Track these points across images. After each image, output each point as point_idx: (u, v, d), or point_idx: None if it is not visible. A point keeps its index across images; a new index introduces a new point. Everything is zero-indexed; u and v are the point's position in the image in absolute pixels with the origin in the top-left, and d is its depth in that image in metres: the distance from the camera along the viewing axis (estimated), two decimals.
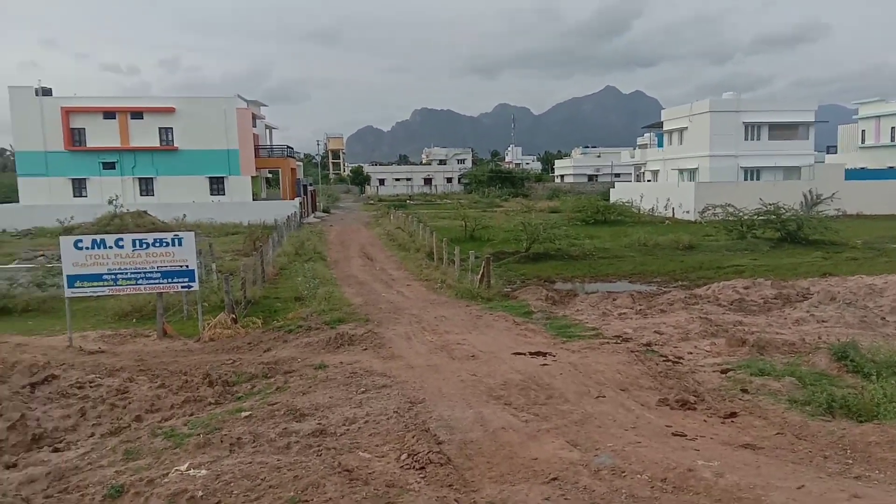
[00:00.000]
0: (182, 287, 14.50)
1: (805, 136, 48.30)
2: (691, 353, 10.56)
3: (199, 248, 20.75)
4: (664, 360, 10.07)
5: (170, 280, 14.24)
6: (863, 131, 59.89)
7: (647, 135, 73.08)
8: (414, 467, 6.39)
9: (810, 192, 38.35)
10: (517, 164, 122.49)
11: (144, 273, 14.03)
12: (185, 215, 40.65)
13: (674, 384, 8.78)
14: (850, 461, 6.10)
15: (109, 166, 45.90)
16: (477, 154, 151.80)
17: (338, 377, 9.69)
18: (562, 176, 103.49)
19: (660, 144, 58.37)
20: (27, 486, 6.28)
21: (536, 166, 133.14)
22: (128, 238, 14.20)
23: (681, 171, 51.37)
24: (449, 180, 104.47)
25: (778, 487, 5.10)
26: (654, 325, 12.79)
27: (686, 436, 6.94)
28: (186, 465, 6.77)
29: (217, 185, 46.65)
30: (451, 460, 6.61)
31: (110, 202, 37.60)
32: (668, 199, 45.95)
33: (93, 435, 8.69)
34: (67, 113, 44.95)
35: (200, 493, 5.89)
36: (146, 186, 46.34)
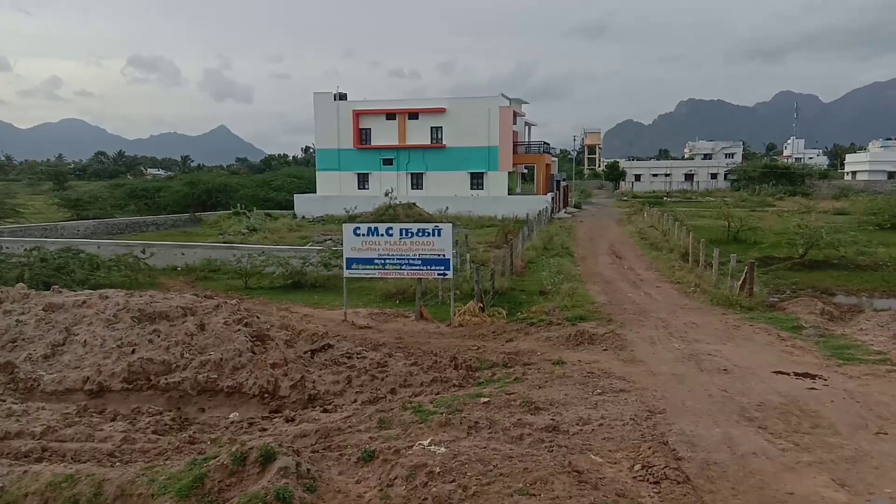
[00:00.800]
0: (438, 274, 15.63)
1: None
2: None
3: (455, 239, 22.22)
4: None
5: (429, 267, 15.45)
6: None
7: None
8: (648, 480, 6.11)
9: None
10: (797, 159, 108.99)
11: (408, 260, 15.42)
12: (447, 208, 43.69)
13: None
14: None
15: (388, 162, 51.21)
16: (749, 147, 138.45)
17: (575, 375, 9.64)
18: (853, 173, 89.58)
19: None
20: (300, 439, 7.33)
21: (822, 161, 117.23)
22: (396, 227, 15.72)
23: None
24: (714, 176, 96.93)
25: None
26: None
27: None
28: (428, 441, 7.32)
29: (477, 180, 49.31)
30: (690, 479, 6.19)
31: (386, 194, 41.90)
32: None
33: (355, 401, 9.83)
34: (357, 115, 51.13)
35: (438, 470, 6.32)
36: (417, 181, 50.78)
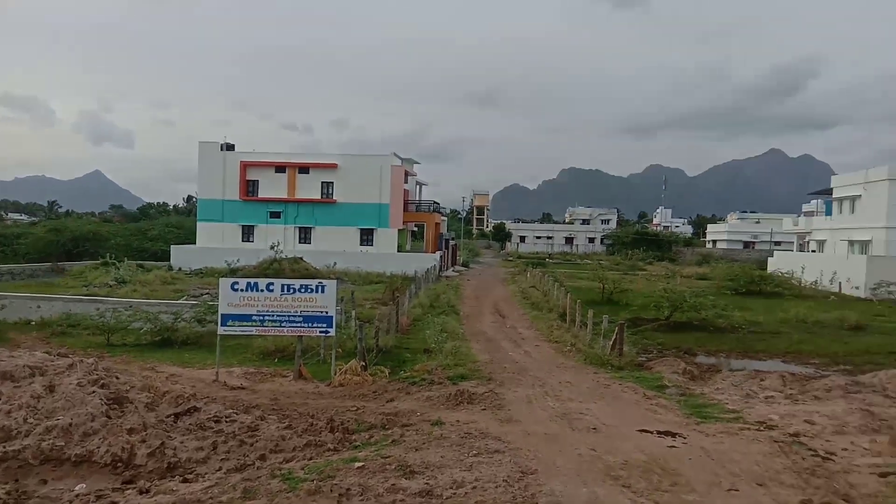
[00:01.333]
0: (320, 332, 15.28)
1: None
2: (846, 450, 9.31)
3: (341, 296, 21.89)
4: (813, 455, 8.95)
5: (310, 325, 15.08)
6: None
7: (813, 202, 67.51)
8: None
9: None
10: (665, 227, 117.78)
11: (288, 316, 14.98)
12: (335, 263, 43.18)
13: (821, 484, 7.76)
14: None
15: (275, 215, 50.13)
16: (623, 215, 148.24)
17: (452, 436, 9.61)
18: (714, 241, 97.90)
19: (828, 213, 53.66)
20: None
21: (687, 230, 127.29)
22: (277, 283, 15.30)
23: (851, 243, 46.67)
24: (591, 240, 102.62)
25: None
26: (805, 413, 11.47)
27: None
28: None
29: (367, 236, 49.26)
30: None
31: (272, 248, 40.84)
32: (835, 273, 41.76)
33: (220, 469, 9.23)
34: (245, 166, 49.98)
35: None
36: (305, 235, 49.96)
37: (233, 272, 37.66)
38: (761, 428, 10.37)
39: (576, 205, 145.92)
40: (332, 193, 49.65)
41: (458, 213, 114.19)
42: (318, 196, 49.67)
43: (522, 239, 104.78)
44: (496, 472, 8.01)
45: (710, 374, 16.65)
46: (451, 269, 55.16)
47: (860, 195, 45.86)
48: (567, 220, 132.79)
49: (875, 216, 43.73)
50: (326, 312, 15.02)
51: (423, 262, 44.28)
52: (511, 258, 77.23)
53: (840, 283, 40.90)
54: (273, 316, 14.90)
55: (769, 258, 55.14)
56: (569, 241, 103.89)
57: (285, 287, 15.00)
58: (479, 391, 12.77)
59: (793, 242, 67.23)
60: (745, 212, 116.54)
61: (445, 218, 68.36)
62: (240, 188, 49.70)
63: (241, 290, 14.92)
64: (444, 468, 8.24)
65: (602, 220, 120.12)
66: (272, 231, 48.90)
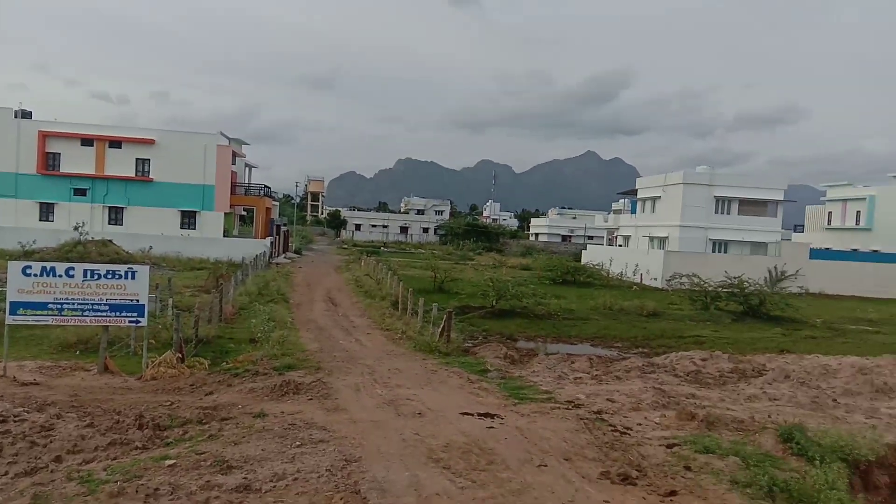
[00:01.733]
0: (130, 322, 14.05)
1: (774, 213, 49.55)
2: (640, 425, 10.39)
3: (156, 283, 20.32)
4: (612, 430, 9.88)
5: (118, 314, 13.80)
6: (829, 213, 61.69)
7: (621, 201, 74.45)
8: None
9: (775, 268, 39.02)
10: (494, 220, 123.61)
11: (92, 305, 13.59)
12: (151, 247, 39.99)
13: (618, 456, 8.58)
14: None
15: (80, 192, 45.23)
16: (456, 207, 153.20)
17: (275, 428, 9.32)
18: (537, 234, 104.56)
19: (633, 211, 59.44)
20: None
21: (513, 223, 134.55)
22: (79, 268, 13.79)
23: (651, 239, 52.15)
24: (425, 230, 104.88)
25: None
26: (607, 393, 12.63)
27: None
28: None
29: (188, 220, 46.12)
30: None
31: (75, 228, 36.87)
32: (637, 265, 46.47)
33: (6, 474, 8.18)
34: (45, 137, 44.49)
35: None
36: (116, 216, 45.64)
37: (27, 255, 33.48)
38: (570, 407, 11.23)
39: (411, 195, 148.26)
40: (148, 171, 45.78)
41: (292, 198, 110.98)
42: (132, 174, 45.53)
43: (358, 227, 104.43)
44: (319, 462, 7.89)
45: (529, 357, 17.73)
46: (283, 255, 53.51)
47: (660, 196, 51.34)
48: (403, 210, 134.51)
49: (671, 216, 49.22)
50: (137, 300, 13.82)
51: (252, 247, 42.48)
52: (346, 246, 76.65)
53: (641, 274, 45.57)
54: (73, 304, 13.41)
55: (583, 251, 59.99)
56: (404, 230, 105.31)
57: (88, 273, 13.56)
58: (306, 381, 12.50)
59: (603, 237, 73.69)
60: (564, 208, 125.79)
61: (277, 203, 66.11)
62: (38, 161, 44.13)
63: (35, 276, 13.26)
64: (265, 461, 7.96)
65: (436, 211, 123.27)
66: (77, 210, 44.06)
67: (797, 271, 38.70)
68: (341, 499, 6.76)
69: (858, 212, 57.52)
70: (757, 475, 7.95)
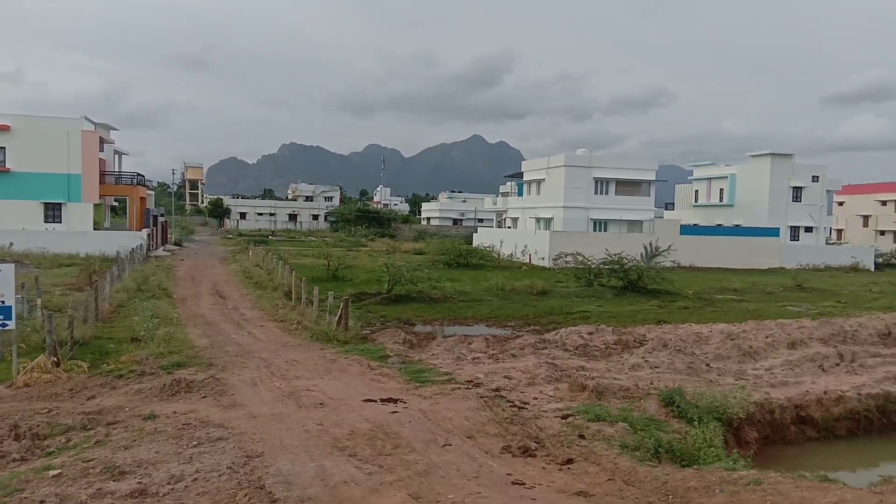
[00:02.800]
0: None
1: (647, 192, 52.79)
2: (536, 399, 10.86)
3: (21, 282, 18.66)
4: (511, 406, 10.26)
5: None
6: (696, 191, 66.53)
7: (509, 183, 76.48)
8: None
9: (650, 244, 41.68)
10: (385, 205, 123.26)
11: None
12: (11, 243, 36.60)
13: (518, 430, 8.94)
14: None
15: None
16: (345, 192, 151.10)
17: (168, 429, 8.91)
18: (428, 218, 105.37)
19: (520, 193, 61.26)
20: None
21: (405, 208, 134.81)
22: None
23: (538, 220, 54.08)
24: (315, 217, 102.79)
25: None
26: (504, 370, 13.07)
27: (524, 484, 7.03)
28: None
29: (53, 212, 42.52)
30: None
31: None
32: (526, 246, 48.06)
33: None
34: None
35: None
36: None
37: None
38: (469, 386, 11.53)
39: (298, 181, 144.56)
40: (4, 160, 41.68)
41: (168, 186, 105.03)
42: None
43: (243, 215, 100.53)
44: (219, 461, 7.66)
45: (427, 341, 17.97)
46: (162, 248, 50.64)
47: (544, 178, 53.26)
48: (290, 197, 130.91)
49: (555, 197, 51.23)
50: (3, 302, 12.68)
51: (127, 240, 39.82)
52: (231, 236, 73.64)
53: (530, 255, 47.20)
54: None
55: (474, 234, 61.23)
56: (292, 217, 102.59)
57: None
58: (198, 378, 12.01)
59: (493, 220, 75.50)
60: (454, 191, 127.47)
61: (152, 192, 62.40)
62: None
63: None
64: (160, 464, 7.61)
65: (325, 198, 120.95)
66: None
67: (669, 246, 41.53)
68: (245, 495, 6.60)
69: (721, 189, 62.44)
70: (644, 438, 8.56)
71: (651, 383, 12.39)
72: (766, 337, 17.91)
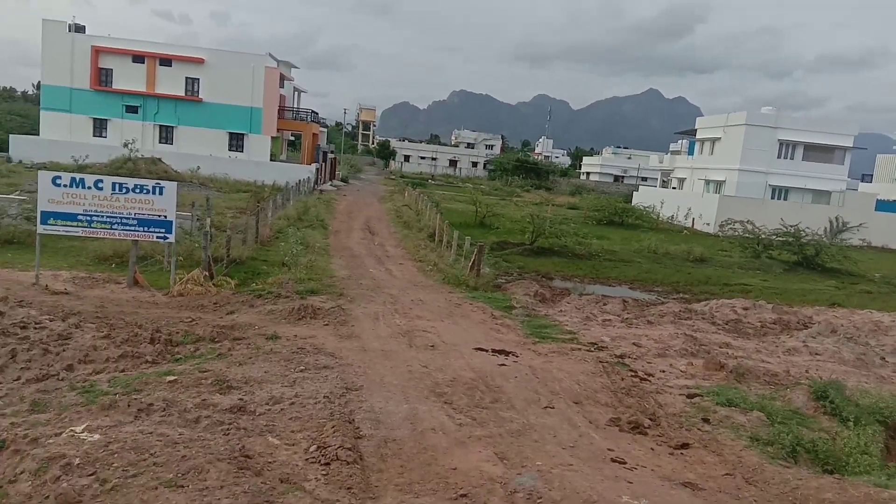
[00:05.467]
0: (158, 237, 14.06)
1: (840, 160, 46.64)
2: (664, 372, 9.87)
3: (192, 201, 20.41)
4: (632, 376, 9.40)
5: (146, 229, 13.81)
6: None
7: (680, 142, 71.33)
8: (320, 462, 5.85)
9: (837, 218, 36.91)
10: (546, 157, 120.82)
11: (121, 218, 13.62)
12: (199, 167, 40.40)
13: (633, 403, 8.13)
14: None
15: (132, 110, 45.77)
16: (507, 142, 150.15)
17: (283, 351, 9.18)
18: (588, 173, 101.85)
19: (690, 152, 56.89)
20: None
21: (565, 161, 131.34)
22: (108, 180, 13.77)
23: (707, 182, 50.00)
24: (475, 165, 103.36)
25: None
26: (635, 336, 12.09)
27: (625, 464, 6.31)
28: (83, 427, 6.30)
29: (236, 142, 46.34)
30: (363, 458, 6.07)
31: (125, 145, 37.41)
32: (690, 209, 44.72)
33: (18, 379, 8.30)
34: (97, 52, 44.81)
35: (77, 461, 5.41)
36: (166, 134, 46.17)
37: (80, 169, 34.21)
38: (591, 349, 10.77)
39: (462, 128, 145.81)
40: (198, 91, 45.83)
41: (343, 126, 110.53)
42: (181, 93, 45.68)
43: (407, 158, 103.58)
44: (319, 388, 7.71)
45: (560, 297, 17.22)
46: (329, 183, 53.54)
47: (720, 137, 48.82)
48: (453, 143, 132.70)
49: (730, 158, 46.86)
50: (165, 216, 13.78)
51: (298, 173, 42.46)
52: (394, 177, 76.25)
53: (693, 218, 43.89)
54: (102, 217, 13.46)
55: (634, 192, 58.11)
56: (453, 163, 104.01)
57: (117, 186, 13.54)
58: (326, 306, 12.35)
59: (657, 179, 71.19)
60: (619, 147, 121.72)
61: (325, 129, 65.83)
62: (90, 76, 44.64)
63: (65, 186, 13.31)
64: (265, 384, 7.82)
65: (486, 146, 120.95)
66: (128, 127, 44.69)
67: (860, 223, 36.52)
68: (333, 427, 6.53)
69: None
70: (781, 433, 7.40)
71: (806, 371, 10.84)
72: None
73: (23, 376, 8.39)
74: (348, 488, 5.38)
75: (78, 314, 11.20)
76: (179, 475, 5.20)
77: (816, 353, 12.66)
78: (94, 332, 10.01)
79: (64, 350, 9.10)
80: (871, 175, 61.88)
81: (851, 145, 46.41)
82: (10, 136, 43.56)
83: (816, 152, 46.08)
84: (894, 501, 5.57)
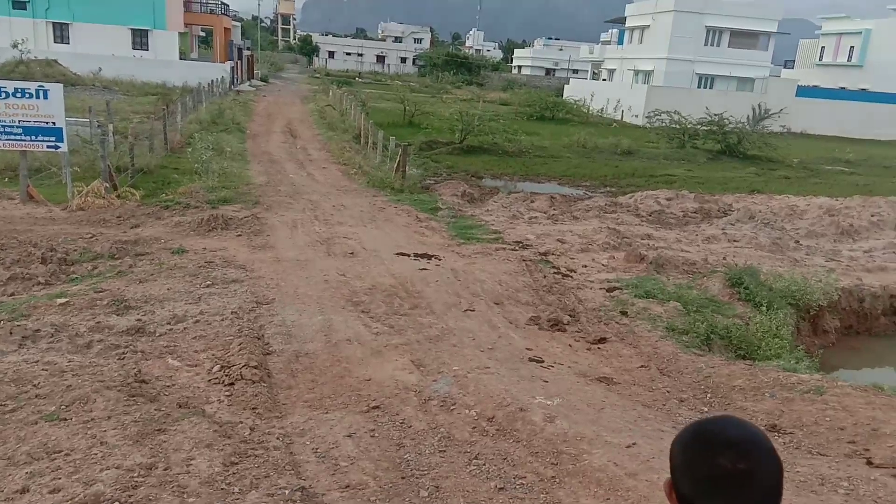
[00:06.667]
0: (48, 147, 12.83)
1: (765, 46, 47.04)
2: (586, 267, 9.86)
3: (90, 106, 18.72)
4: (555, 273, 9.34)
5: (33, 137, 12.56)
6: (822, 48, 58.87)
7: (610, 31, 70.25)
8: (223, 382, 5.51)
9: (759, 105, 37.56)
10: (478, 51, 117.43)
11: (3, 126, 12.31)
12: (100, 69, 37.16)
13: (553, 300, 8.07)
14: (707, 408, 5.51)
15: (20, 6, 41.07)
16: (437, 35, 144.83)
17: (189, 266, 8.60)
18: (520, 67, 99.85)
19: (620, 42, 56.22)
20: None
21: (497, 54, 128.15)
22: None
23: (636, 73, 49.79)
24: (403, 60, 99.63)
25: (607, 443, 4.43)
26: (559, 233, 12.02)
27: (543, 362, 6.26)
28: None
29: (140, 39, 42.60)
30: (272, 376, 5.78)
31: (15, 46, 33.88)
32: (619, 101, 44.67)
33: None
34: None
35: None
36: (61, 32, 41.93)
37: None
38: (516, 248, 10.63)
39: (388, 20, 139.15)
40: None
41: (260, 20, 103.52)
42: None
43: (331, 55, 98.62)
44: (226, 304, 7.27)
45: (489, 196, 16.97)
46: (248, 83, 50.53)
47: (649, 25, 48.19)
48: (380, 37, 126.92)
49: (659, 47, 46.53)
50: (53, 123, 12.51)
51: (210, 72, 39.61)
52: (318, 75, 72.66)
53: (623, 111, 43.94)
54: None
55: (566, 86, 57.48)
56: (380, 59, 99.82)
57: None
58: (239, 216, 11.68)
59: (588, 71, 70.55)
60: (551, 38, 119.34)
61: (239, 24, 61.45)
62: None
63: None
64: (167, 301, 7.31)
65: (415, 40, 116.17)
66: (18, 25, 40.22)
67: (781, 110, 37.36)
68: (239, 345, 6.17)
69: (852, 47, 54.87)
70: (696, 321, 7.51)
71: (724, 258, 11.08)
72: (872, 215, 15.81)
73: None
74: (253, 408, 5.09)
75: None
76: (63, 407, 4.76)
77: (734, 240, 12.99)
78: None
79: None
80: (794, 61, 63.01)
81: (776, 30, 46.72)
82: None
83: (742, 38, 46.23)
84: (802, 385, 5.72)
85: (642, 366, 6.37)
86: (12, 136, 12.42)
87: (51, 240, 10.19)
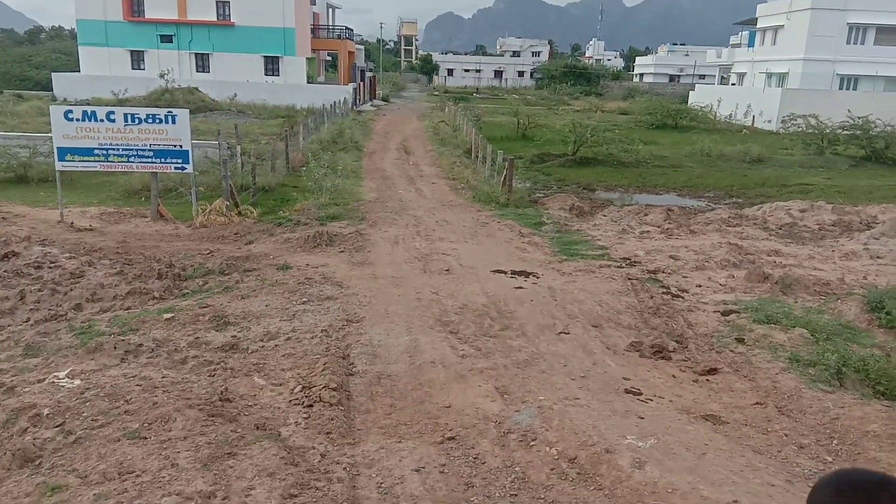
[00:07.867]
0: (176, 168, 13.75)
1: None
2: (700, 286, 9.04)
3: (218, 129, 20.02)
4: (664, 292, 8.63)
5: (163, 160, 13.50)
6: None
7: (741, 34, 66.17)
8: (303, 403, 5.46)
9: None
10: (597, 61, 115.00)
11: (136, 150, 13.33)
12: (236, 94, 39.94)
13: (659, 324, 7.42)
14: (831, 458, 4.73)
15: (167, 39, 45.23)
16: (556, 47, 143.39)
17: (289, 282, 8.79)
18: (641, 75, 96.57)
19: (751, 44, 52.72)
20: None
21: (618, 63, 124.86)
22: (119, 112, 13.43)
23: (769, 76, 46.42)
24: (521, 74, 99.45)
25: (703, 499, 3.85)
26: (673, 249, 11.19)
27: (640, 395, 5.70)
28: (65, 373, 6.09)
29: (272, 65, 45.44)
30: (351, 399, 5.66)
31: (162, 76, 37.19)
32: (749, 106, 41.74)
33: (28, 320, 8.22)
34: None
35: (47, 412, 5.16)
36: (202, 62, 45.64)
37: (121, 103, 34.28)
38: (622, 265, 9.98)
39: (506, 35, 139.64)
40: (229, 14, 44.74)
41: (384, 43, 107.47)
42: (213, 17, 44.68)
43: (450, 72, 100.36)
44: (318, 321, 7.30)
45: (600, 209, 16.26)
46: (370, 103, 52.41)
47: (783, 25, 44.84)
48: (498, 53, 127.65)
49: (794, 47, 43.14)
50: (180, 146, 13.40)
51: (335, 94, 41.50)
52: (437, 93, 74.17)
53: (754, 116, 41.04)
54: (118, 150, 13.19)
55: (691, 92, 54.71)
56: (498, 74, 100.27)
57: (129, 116, 13.16)
58: (343, 232, 11.89)
59: (715, 76, 66.84)
60: (676, 44, 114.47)
61: (363, 47, 63.97)
62: (123, 6, 44.06)
63: (77, 120, 13.02)
64: (263, 318, 7.46)
65: (533, 53, 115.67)
66: (165, 57, 44.30)
67: None
68: (324, 364, 6.12)
69: None
70: (825, 351, 6.58)
71: (864, 278, 9.80)
72: None
73: (32, 317, 8.30)
74: (327, 433, 4.98)
75: (99, 250, 11.13)
76: (145, 425, 4.89)
77: (878, 257, 11.50)
78: (107, 269, 9.86)
79: (72, 289, 8.96)
80: None
81: None
82: (53, 74, 43.97)
83: (890, 34, 41.80)
84: None
85: (757, 403, 5.63)
86: (144, 159, 13.42)
87: (172, 255, 10.85)
